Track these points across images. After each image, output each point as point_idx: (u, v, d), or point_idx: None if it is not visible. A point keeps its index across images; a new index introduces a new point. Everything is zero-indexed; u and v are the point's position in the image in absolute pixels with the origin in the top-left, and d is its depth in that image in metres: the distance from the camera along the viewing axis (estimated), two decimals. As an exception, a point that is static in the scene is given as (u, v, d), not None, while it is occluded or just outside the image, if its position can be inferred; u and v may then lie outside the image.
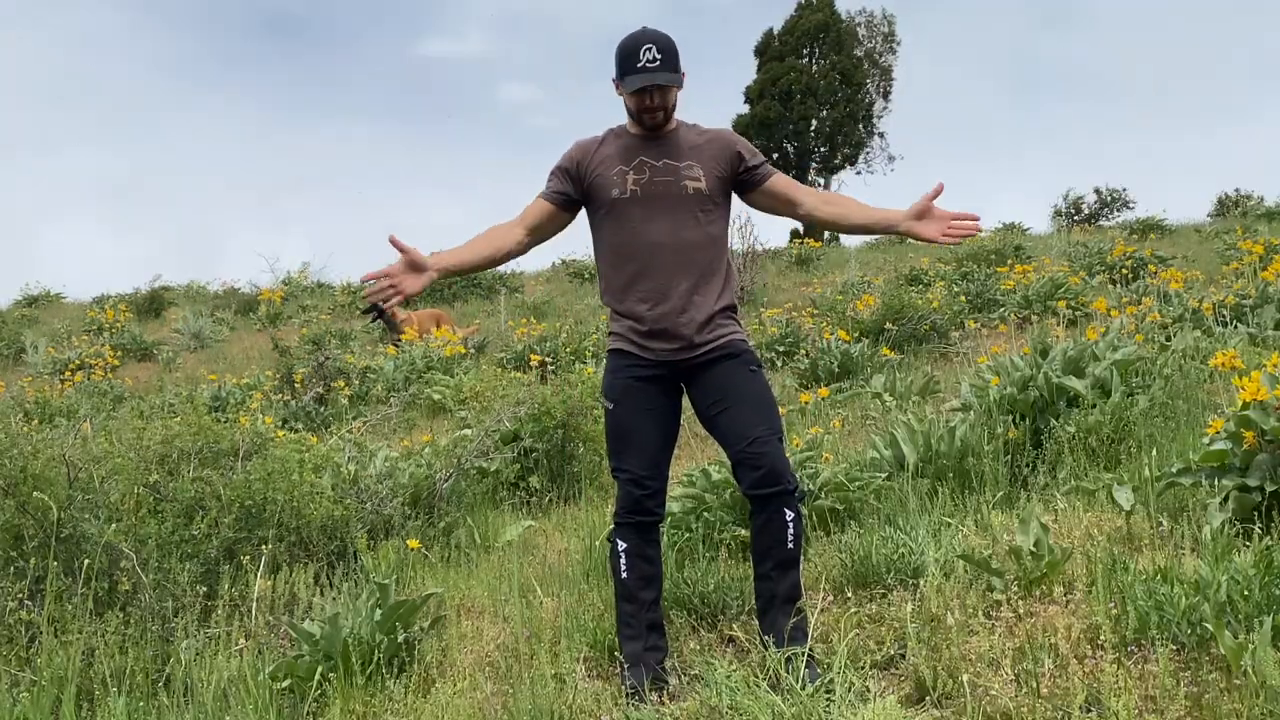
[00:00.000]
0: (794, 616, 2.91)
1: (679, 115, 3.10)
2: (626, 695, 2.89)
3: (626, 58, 2.94)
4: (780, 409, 5.94)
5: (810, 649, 2.78)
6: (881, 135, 37.43)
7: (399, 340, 11.48)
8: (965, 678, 2.62)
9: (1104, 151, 55.13)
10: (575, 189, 3.08)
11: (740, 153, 3.07)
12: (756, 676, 2.69)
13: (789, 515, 2.90)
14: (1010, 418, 4.62)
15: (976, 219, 2.97)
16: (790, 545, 2.91)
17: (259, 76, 72.87)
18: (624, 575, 3.03)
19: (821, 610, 3.29)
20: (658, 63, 2.92)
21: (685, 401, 3.15)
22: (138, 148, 72.88)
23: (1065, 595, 3.04)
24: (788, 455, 3.03)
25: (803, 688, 2.53)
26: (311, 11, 68.81)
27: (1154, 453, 3.79)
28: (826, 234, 35.21)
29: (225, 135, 66.83)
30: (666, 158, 3.02)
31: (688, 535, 3.93)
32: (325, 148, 68.14)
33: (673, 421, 3.11)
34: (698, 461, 5.09)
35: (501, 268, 19.60)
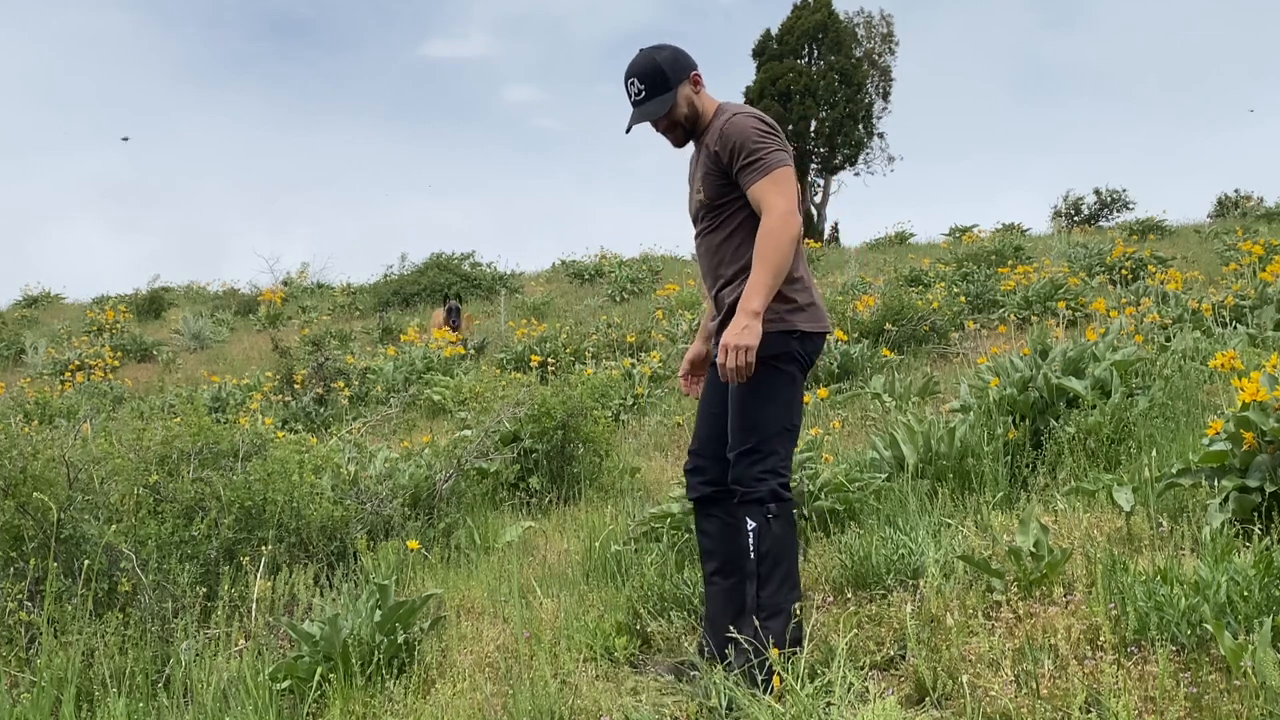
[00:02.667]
0: (745, 631, 2.75)
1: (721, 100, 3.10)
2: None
3: (626, 91, 3.02)
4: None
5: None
6: (881, 136, 37.43)
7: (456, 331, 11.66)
8: (965, 678, 2.62)
9: (1104, 152, 55.05)
10: None
11: (717, 154, 2.95)
12: (756, 676, 2.69)
13: (749, 525, 2.85)
14: (1010, 418, 4.62)
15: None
16: (750, 554, 2.85)
17: (263, 78, 72.84)
18: None
19: (821, 610, 3.29)
20: (641, 95, 2.98)
21: None
22: (142, 149, 72.88)
23: (1065, 596, 3.04)
24: (764, 460, 2.90)
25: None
26: (316, 13, 68.74)
27: (1154, 453, 3.79)
28: (826, 235, 35.26)
29: (230, 136, 66.79)
30: (696, 167, 3.10)
31: (687, 536, 3.93)
32: (329, 149, 68.11)
33: (722, 405, 3.04)
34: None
35: (501, 268, 19.72)
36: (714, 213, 3.03)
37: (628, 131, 3.03)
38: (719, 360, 2.79)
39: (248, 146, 69.74)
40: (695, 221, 3.14)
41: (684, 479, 3.22)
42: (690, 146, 3.14)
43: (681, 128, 3.03)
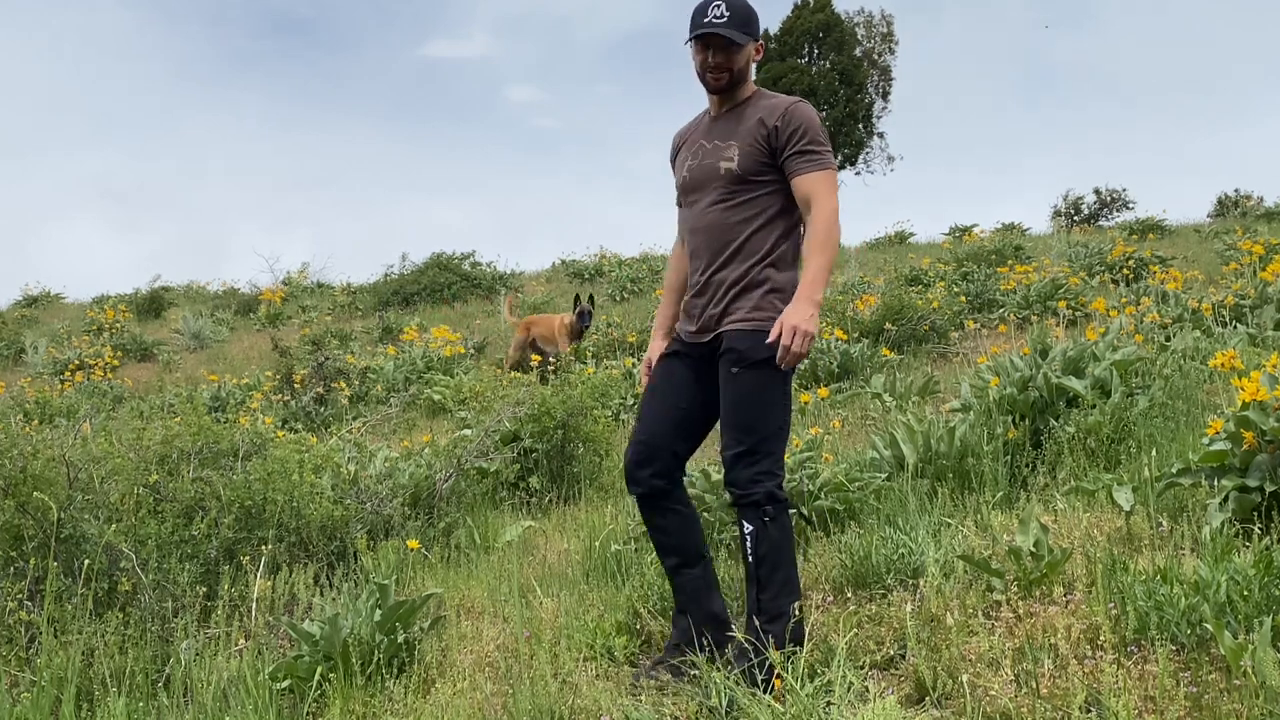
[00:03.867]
0: (748, 632, 2.80)
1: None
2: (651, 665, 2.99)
3: (694, 15, 2.92)
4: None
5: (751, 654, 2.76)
6: (881, 135, 37.41)
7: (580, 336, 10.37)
8: (965, 678, 2.62)
9: (1105, 152, 55.05)
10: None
11: (777, 129, 2.88)
12: (756, 677, 2.69)
13: (746, 528, 2.83)
14: (1010, 418, 4.62)
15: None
16: (748, 558, 2.83)
17: (265, 77, 72.75)
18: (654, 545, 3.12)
19: (821, 610, 3.29)
20: (724, 19, 2.87)
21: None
22: (143, 148, 72.83)
23: (1065, 596, 3.04)
24: (759, 462, 2.85)
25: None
26: (318, 13, 68.65)
27: (1154, 453, 3.79)
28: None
29: (231, 135, 66.75)
30: (718, 138, 2.97)
31: (687, 535, 3.93)
32: (330, 148, 68.09)
33: (684, 399, 3.03)
34: (697, 462, 5.09)
35: (501, 267, 19.71)
36: (739, 187, 2.91)
37: (694, 39, 2.90)
38: (782, 340, 2.69)
39: (249, 146, 69.77)
40: (703, 189, 2.97)
41: (626, 474, 3.06)
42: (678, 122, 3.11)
43: (730, 76, 2.93)
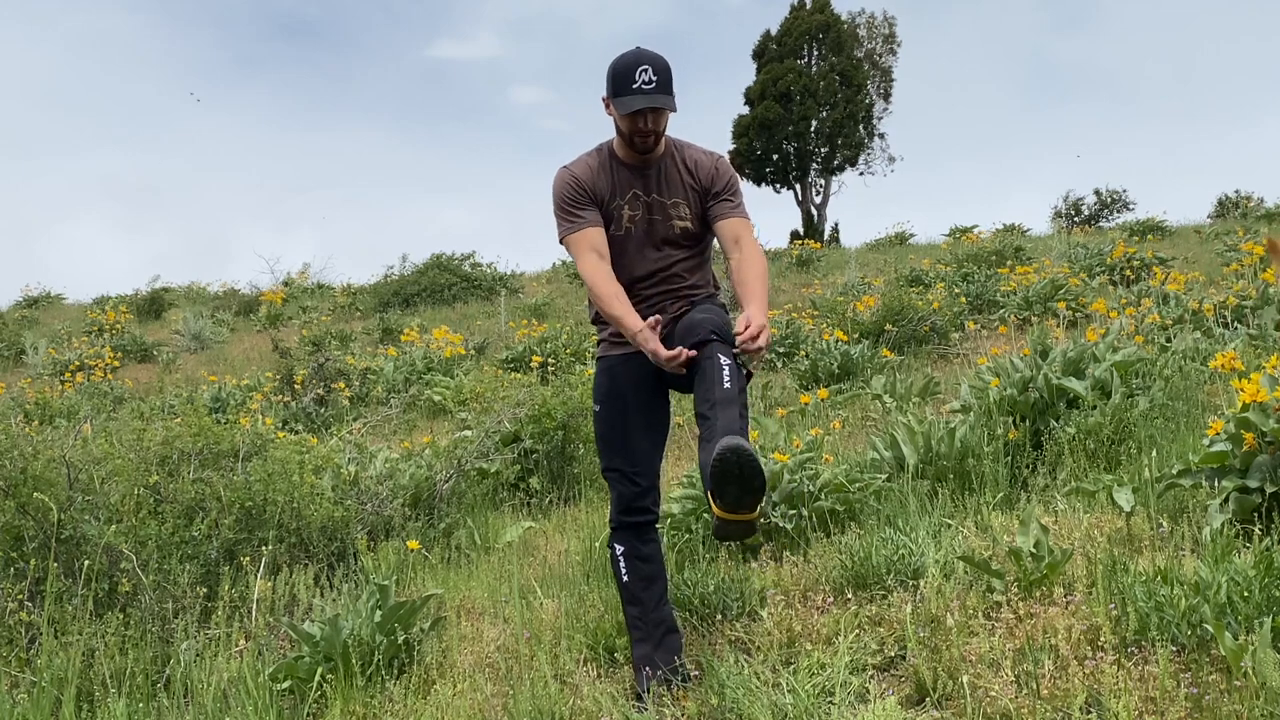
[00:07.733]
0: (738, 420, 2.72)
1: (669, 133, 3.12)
2: (635, 696, 2.89)
3: (621, 77, 2.90)
4: (780, 410, 5.93)
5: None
6: (882, 136, 37.40)
7: None
8: (965, 679, 2.62)
9: (1105, 152, 55.07)
10: (599, 210, 3.09)
11: (713, 181, 3.08)
12: (758, 678, 2.69)
13: (722, 360, 2.76)
14: (1010, 419, 4.62)
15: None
16: (727, 384, 2.74)
17: (271, 79, 72.72)
18: (625, 579, 3.04)
19: (821, 611, 3.29)
20: (653, 84, 2.89)
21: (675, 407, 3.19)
22: (149, 150, 72.75)
23: (1065, 596, 3.03)
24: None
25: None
26: (324, 14, 68.63)
27: (1154, 454, 3.79)
28: (827, 235, 35.26)
29: (237, 137, 66.72)
30: (656, 192, 3.06)
31: (688, 537, 3.94)
32: (336, 149, 68.07)
33: (662, 420, 3.17)
34: (697, 463, 5.09)
35: (502, 268, 19.72)
36: (691, 243, 3.11)
37: (635, 110, 2.89)
38: (752, 332, 2.75)
39: (255, 147, 69.77)
40: (652, 244, 3.06)
41: (624, 506, 3.13)
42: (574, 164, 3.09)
43: (657, 138, 2.99)
